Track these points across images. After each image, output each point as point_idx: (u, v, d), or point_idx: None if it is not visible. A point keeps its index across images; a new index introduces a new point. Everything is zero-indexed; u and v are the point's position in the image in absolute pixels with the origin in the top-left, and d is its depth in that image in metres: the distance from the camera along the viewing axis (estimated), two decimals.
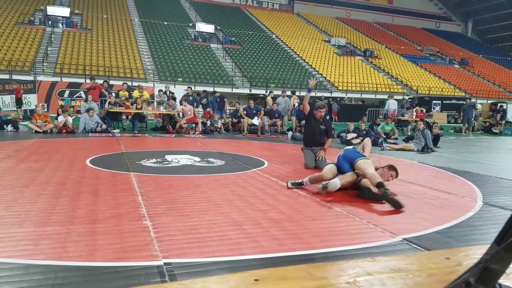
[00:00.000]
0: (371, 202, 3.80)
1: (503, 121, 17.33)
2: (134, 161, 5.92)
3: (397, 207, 3.56)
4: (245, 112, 12.56)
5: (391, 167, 4.37)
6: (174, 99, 13.84)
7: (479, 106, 21.63)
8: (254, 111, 12.70)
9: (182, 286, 0.81)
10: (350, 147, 4.75)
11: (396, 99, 19.64)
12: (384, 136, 10.68)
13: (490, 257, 0.53)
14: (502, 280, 0.55)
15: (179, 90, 20.24)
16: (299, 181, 4.40)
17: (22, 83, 17.43)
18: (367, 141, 4.76)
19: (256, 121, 12.20)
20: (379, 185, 3.75)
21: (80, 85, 20.92)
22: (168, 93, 14.00)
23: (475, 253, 1.11)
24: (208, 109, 14.06)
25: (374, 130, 11.88)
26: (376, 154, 7.66)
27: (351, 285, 0.83)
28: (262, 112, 12.87)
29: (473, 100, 21.04)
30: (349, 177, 4.17)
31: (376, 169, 4.29)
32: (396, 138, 11.43)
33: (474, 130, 16.97)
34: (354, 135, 10.35)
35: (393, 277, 0.88)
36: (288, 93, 14.35)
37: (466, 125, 15.72)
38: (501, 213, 3.62)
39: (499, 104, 19.70)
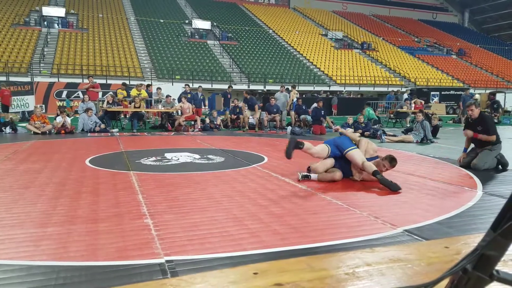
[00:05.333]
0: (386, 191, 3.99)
1: (498, 114, 17.25)
2: (133, 160, 5.92)
3: (394, 188, 3.92)
4: (246, 105, 12.49)
5: (386, 158, 4.38)
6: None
7: (477, 96, 21.61)
8: (250, 103, 12.64)
9: (181, 281, 0.81)
10: (344, 136, 4.83)
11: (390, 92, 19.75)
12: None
13: (487, 244, 0.53)
14: (499, 267, 0.55)
15: (177, 88, 20.22)
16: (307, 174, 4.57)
17: (19, 85, 17.30)
18: (363, 142, 4.63)
19: (252, 120, 12.19)
20: (375, 173, 4.07)
21: (78, 85, 20.87)
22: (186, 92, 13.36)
23: (473, 242, 1.12)
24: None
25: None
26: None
27: (350, 276, 0.83)
28: (257, 107, 12.73)
29: (470, 90, 20.96)
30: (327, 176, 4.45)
31: (373, 157, 4.49)
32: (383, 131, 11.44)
33: None
34: (351, 130, 10.36)
35: (392, 267, 0.89)
36: (289, 87, 14.34)
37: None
38: (501, 202, 3.63)
39: (496, 95, 19.68)
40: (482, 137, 5.40)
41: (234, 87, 26.61)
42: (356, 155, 4.32)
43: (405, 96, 18.36)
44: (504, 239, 0.52)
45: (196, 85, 22.92)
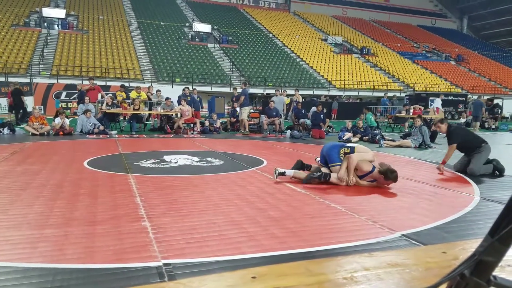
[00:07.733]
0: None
1: (498, 115, 17.18)
2: (132, 162, 5.91)
3: (323, 178, 4.37)
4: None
5: (387, 175, 4.22)
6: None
7: None
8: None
9: (179, 285, 0.81)
10: (338, 143, 5.08)
11: (389, 97, 19.81)
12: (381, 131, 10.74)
13: (484, 249, 0.53)
14: (497, 273, 0.56)
15: (176, 91, 20.21)
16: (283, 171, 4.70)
17: (20, 86, 17.26)
18: (354, 156, 4.46)
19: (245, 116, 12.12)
20: (320, 174, 4.47)
21: (77, 87, 20.86)
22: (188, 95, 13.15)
23: (471, 247, 1.12)
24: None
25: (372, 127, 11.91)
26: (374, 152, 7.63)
27: (348, 280, 0.84)
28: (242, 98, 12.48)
29: (469, 96, 20.94)
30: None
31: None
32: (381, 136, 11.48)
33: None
34: (350, 134, 10.40)
35: (390, 271, 0.89)
36: (291, 91, 14.37)
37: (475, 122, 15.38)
38: (498, 208, 3.62)
39: (494, 101, 19.70)
40: (449, 151, 5.70)
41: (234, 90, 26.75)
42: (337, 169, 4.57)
43: (439, 101, 18.26)
44: (501, 245, 0.53)
45: (198, 88, 23.05)
